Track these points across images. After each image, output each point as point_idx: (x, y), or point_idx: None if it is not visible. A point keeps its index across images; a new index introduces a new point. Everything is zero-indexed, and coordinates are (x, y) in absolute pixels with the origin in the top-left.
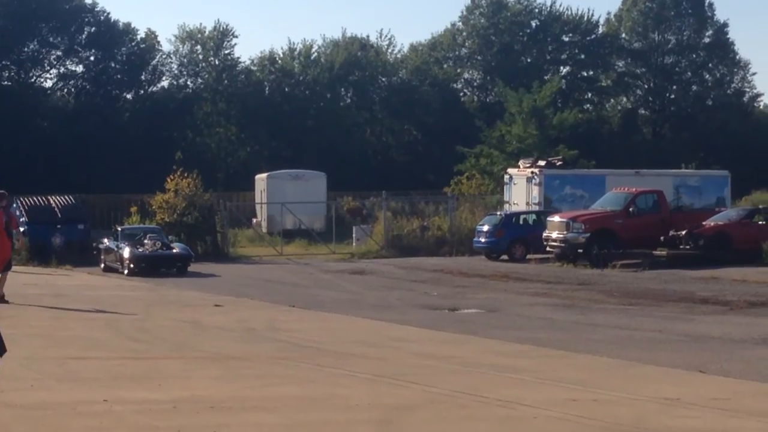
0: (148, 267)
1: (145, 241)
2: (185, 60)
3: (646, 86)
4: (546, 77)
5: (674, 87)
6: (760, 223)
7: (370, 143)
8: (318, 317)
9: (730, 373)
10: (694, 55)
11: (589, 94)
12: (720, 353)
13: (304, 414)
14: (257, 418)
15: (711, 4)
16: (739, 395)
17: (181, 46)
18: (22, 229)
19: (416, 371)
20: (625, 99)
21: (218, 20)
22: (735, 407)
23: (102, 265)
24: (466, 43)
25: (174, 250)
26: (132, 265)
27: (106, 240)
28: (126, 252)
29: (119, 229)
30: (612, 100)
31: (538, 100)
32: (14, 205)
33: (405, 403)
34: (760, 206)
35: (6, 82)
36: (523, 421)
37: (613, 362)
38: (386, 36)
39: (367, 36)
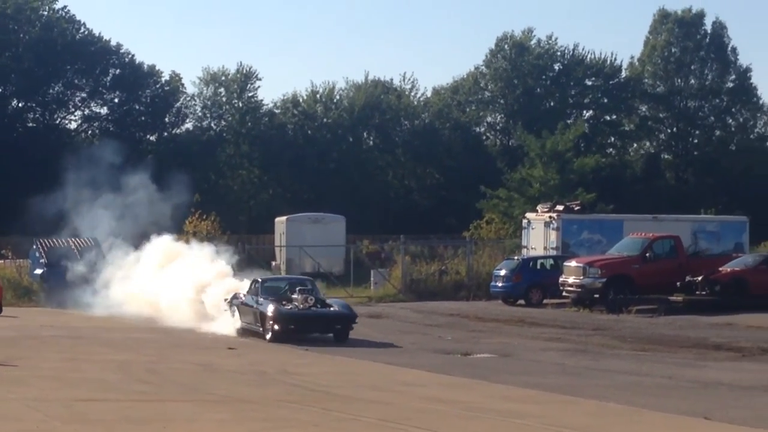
0: (299, 329)
1: (294, 296)
2: (209, 102)
3: (669, 130)
4: (569, 121)
5: (697, 132)
6: None
7: (392, 186)
8: (331, 361)
9: (735, 420)
10: (717, 100)
11: (612, 138)
12: (727, 400)
13: None
14: None
15: (734, 49)
16: None
17: (205, 88)
18: (40, 271)
19: (421, 416)
20: (648, 143)
21: (241, 63)
22: None
23: (238, 325)
24: (489, 87)
25: (332, 308)
26: (277, 327)
27: (241, 294)
28: (269, 309)
29: (259, 280)
30: (635, 145)
31: (560, 145)
32: (34, 247)
33: None
34: None
35: (31, 124)
36: None
37: (620, 408)
38: (409, 79)
39: (390, 79)
